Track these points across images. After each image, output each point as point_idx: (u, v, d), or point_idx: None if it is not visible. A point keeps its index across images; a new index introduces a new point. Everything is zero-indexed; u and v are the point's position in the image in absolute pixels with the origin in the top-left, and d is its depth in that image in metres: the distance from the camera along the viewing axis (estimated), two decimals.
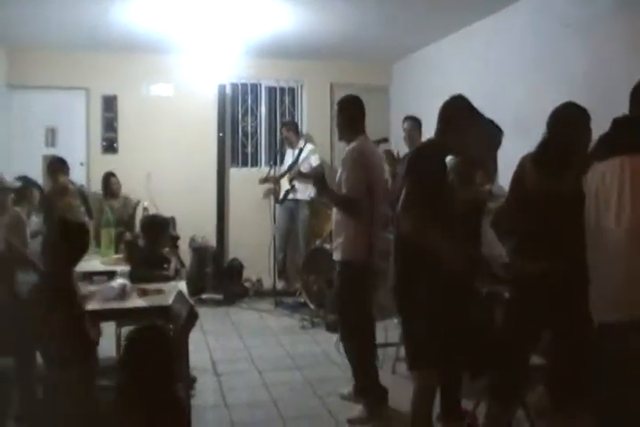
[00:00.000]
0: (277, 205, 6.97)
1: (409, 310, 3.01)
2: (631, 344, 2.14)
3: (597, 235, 2.28)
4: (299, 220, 6.94)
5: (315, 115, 7.74)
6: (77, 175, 6.53)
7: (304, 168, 6.84)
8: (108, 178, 6.16)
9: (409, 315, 3.04)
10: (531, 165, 2.76)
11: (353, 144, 3.76)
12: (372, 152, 3.83)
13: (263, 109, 7.77)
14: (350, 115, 3.85)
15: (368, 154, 3.75)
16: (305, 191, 6.66)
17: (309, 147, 7.04)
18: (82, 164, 7.03)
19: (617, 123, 2.37)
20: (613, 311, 2.20)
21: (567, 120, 2.75)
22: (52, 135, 7.04)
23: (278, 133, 7.54)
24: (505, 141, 3.89)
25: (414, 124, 5.35)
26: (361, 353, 3.81)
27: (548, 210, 2.65)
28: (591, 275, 2.33)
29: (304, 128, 7.67)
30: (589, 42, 4.36)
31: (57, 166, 5.42)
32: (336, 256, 3.79)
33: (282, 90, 7.81)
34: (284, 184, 6.94)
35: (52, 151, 6.73)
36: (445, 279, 2.85)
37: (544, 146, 2.77)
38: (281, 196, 6.91)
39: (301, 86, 7.81)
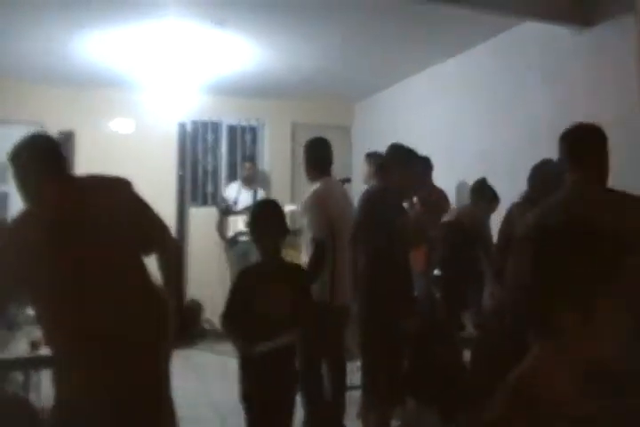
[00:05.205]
0: (230, 247, 6.77)
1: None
2: None
3: None
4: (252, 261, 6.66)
5: (276, 154, 7.68)
6: None
7: None
8: None
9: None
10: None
11: (314, 187, 3.73)
12: (331, 194, 3.74)
13: (224, 148, 7.68)
14: (311, 157, 3.81)
15: (325, 196, 3.67)
16: None
17: (261, 192, 6.95)
18: None
19: None
20: None
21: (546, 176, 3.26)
22: (2, 171, 6.79)
23: (239, 171, 7.40)
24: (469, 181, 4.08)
25: (367, 163, 5.23)
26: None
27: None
28: None
29: (265, 168, 7.59)
30: (552, 85, 4.43)
31: None
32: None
33: (243, 129, 7.75)
34: (238, 224, 6.68)
35: (2, 188, 6.48)
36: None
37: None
38: (229, 235, 6.74)
39: (263, 125, 7.76)
